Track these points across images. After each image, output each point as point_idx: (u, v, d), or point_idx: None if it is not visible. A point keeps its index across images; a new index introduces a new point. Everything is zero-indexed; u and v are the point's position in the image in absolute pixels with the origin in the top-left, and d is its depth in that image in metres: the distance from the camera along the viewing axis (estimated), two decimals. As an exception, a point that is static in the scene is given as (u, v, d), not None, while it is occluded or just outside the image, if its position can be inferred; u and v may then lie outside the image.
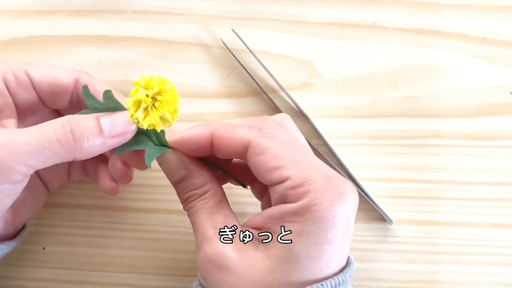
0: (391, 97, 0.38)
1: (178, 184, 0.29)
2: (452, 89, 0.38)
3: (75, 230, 0.37)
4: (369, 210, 0.37)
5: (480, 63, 0.38)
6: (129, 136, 0.28)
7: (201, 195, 0.29)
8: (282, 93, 0.37)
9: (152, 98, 0.26)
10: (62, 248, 0.37)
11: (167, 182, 0.36)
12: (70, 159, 0.27)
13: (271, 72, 0.37)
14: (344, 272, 0.27)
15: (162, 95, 0.26)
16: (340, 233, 0.26)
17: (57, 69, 0.31)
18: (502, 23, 0.38)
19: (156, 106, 0.26)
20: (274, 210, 0.26)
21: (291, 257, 0.25)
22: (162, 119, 0.27)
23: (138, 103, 0.26)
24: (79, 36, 0.38)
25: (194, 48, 0.38)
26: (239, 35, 0.37)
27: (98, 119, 0.27)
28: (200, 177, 0.29)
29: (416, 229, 0.36)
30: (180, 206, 0.36)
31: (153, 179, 0.37)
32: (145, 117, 0.26)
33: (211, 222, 0.28)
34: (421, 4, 0.38)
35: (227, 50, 0.38)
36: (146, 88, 0.26)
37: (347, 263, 0.28)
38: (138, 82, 0.26)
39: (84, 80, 0.31)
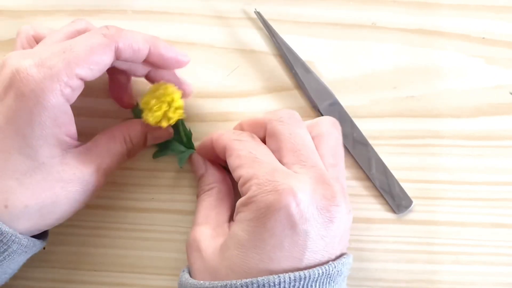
0: (391, 97, 0.38)
1: (198, 180, 0.35)
2: (452, 89, 0.38)
3: (75, 230, 0.37)
4: (369, 210, 0.37)
5: (480, 63, 0.38)
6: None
7: (207, 190, 0.34)
8: (286, 93, 0.38)
9: (158, 101, 0.32)
10: (62, 248, 0.37)
11: (167, 182, 0.37)
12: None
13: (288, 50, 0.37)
14: (302, 272, 0.27)
15: (165, 98, 0.32)
16: (281, 226, 0.27)
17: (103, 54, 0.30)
18: (502, 23, 0.38)
19: (161, 107, 0.32)
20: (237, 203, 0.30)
21: (237, 244, 0.28)
22: (166, 116, 0.32)
23: (147, 104, 0.32)
24: (79, 36, 0.38)
25: (194, 48, 0.38)
26: (263, 16, 0.37)
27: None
28: (211, 177, 0.34)
29: (416, 229, 0.36)
30: (180, 206, 0.36)
31: (153, 179, 0.37)
32: (152, 115, 0.32)
33: (204, 212, 0.33)
34: (421, 4, 0.38)
35: (227, 49, 0.38)
36: (154, 92, 0.32)
37: (324, 264, 0.28)
38: (151, 87, 0.33)
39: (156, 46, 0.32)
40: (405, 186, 0.37)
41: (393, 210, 0.36)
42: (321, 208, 0.28)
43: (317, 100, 0.37)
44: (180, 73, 0.36)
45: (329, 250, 0.28)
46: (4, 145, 0.28)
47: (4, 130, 0.28)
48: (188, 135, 0.36)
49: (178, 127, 0.35)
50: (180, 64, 0.33)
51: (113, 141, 0.33)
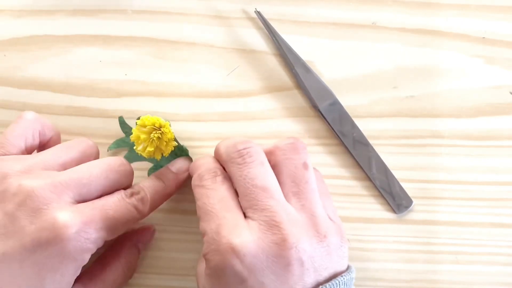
0: (391, 97, 0.38)
1: None
2: (452, 89, 0.38)
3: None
4: (369, 210, 0.37)
5: (480, 63, 0.38)
6: None
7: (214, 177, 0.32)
8: (286, 93, 0.38)
9: (147, 136, 0.32)
10: (62, 248, 0.37)
11: (167, 182, 0.36)
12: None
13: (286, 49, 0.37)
14: None
15: (154, 134, 0.31)
16: (234, 283, 0.27)
17: None
18: (502, 23, 0.38)
19: (152, 142, 0.32)
20: None
21: None
22: (159, 149, 0.32)
23: (137, 139, 0.32)
24: (79, 36, 0.38)
25: (194, 48, 0.38)
26: (263, 16, 0.37)
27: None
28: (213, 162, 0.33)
29: (416, 229, 0.36)
30: (180, 206, 0.36)
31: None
32: (144, 149, 0.32)
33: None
34: (421, 4, 0.38)
35: (227, 49, 0.38)
36: (142, 126, 0.32)
37: None
38: (138, 121, 0.32)
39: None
40: (405, 186, 0.37)
41: (393, 210, 0.36)
42: (273, 255, 0.27)
43: (317, 100, 0.37)
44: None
45: (302, 282, 0.27)
46: (18, 276, 0.27)
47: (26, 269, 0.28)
48: (185, 153, 0.36)
49: (174, 152, 0.35)
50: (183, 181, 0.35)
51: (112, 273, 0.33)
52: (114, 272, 0.33)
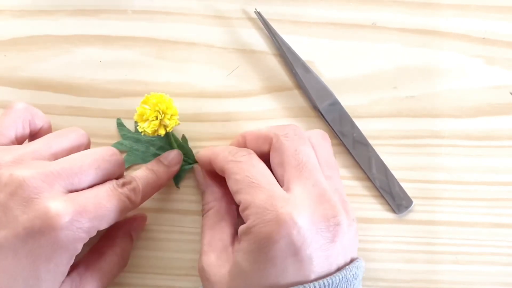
0: (391, 97, 0.38)
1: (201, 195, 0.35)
2: (452, 89, 0.38)
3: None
4: (369, 210, 0.37)
5: (480, 63, 0.38)
6: None
7: (206, 211, 0.34)
8: (286, 93, 0.38)
9: (152, 110, 0.32)
10: (62, 247, 0.37)
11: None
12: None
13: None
14: (322, 281, 0.27)
15: (159, 107, 0.32)
16: (284, 254, 0.27)
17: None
18: (502, 23, 0.38)
19: (156, 116, 0.32)
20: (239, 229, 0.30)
21: (241, 273, 0.28)
22: (163, 125, 0.32)
23: (142, 116, 0.32)
24: (80, 36, 0.38)
25: (194, 48, 0.38)
26: (263, 16, 0.37)
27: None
28: (209, 195, 0.34)
29: (416, 229, 0.36)
30: (180, 206, 0.36)
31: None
32: (149, 125, 0.32)
33: (207, 238, 0.32)
34: (421, 4, 0.38)
35: (227, 49, 0.38)
36: (146, 103, 0.32)
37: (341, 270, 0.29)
38: (142, 101, 0.32)
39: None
40: (405, 186, 0.37)
41: (393, 210, 0.36)
42: (322, 229, 0.28)
43: (317, 100, 0.37)
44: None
45: (337, 261, 0.29)
46: (13, 267, 0.27)
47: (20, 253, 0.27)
48: (186, 150, 0.36)
49: (170, 140, 0.35)
50: (176, 172, 0.35)
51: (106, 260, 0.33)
52: (109, 261, 0.33)
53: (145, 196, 0.32)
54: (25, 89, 0.38)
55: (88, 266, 0.32)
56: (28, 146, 0.30)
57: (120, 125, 0.37)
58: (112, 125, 0.37)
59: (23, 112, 0.33)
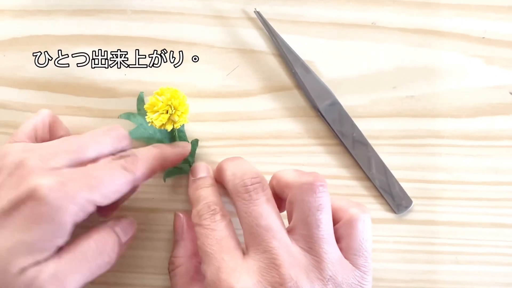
0: (391, 97, 0.38)
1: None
2: (452, 89, 0.38)
3: (75, 230, 0.37)
4: (369, 209, 0.36)
5: (480, 63, 0.38)
6: None
7: (176, 267, 0.34)
8: (286, 92, 0.38)
9: (164, 103, 0.32)
10: (62, 247, 0.37)
11: (167, 182, 0.37)
12: None
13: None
14: None
15: (172, 102, 0.32)
16: None
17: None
18: (502, 23, 0.38)
19: (167, 110, 0.32)
20: None
21: None
22: (171, 120, 0.32)
23: (153, 107, 0.32)
24: (79, 36, 0.38)
25: (194, 48, 0.38)
26: (263, 16, 0.37)
27: None
28: (182, 249, 0.34)
29: (416, 229, 0.36)
30: (181, 206, 0.36)
31: (153, 179, 0.37)
32: (157, 117, 0.32)
33: None
34: (421, 4, 0.38)
35: (227, 49, 0.38)
36: (160, 95, 0.32)
37: None
38: (156, 92, 0.32)
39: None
40: (405, 186, 0.37)
41: (393, 210, 0.36)
42: None
43: (317, 100, 0.37)
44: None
45: None
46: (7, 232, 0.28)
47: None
48: (192, 152, 0.36)
49: (174, 137, 0.35)
50: (185, 156, 0.35)
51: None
52: (83, 245, 0.31)
53: (150, 168, 0.32)
54: (25, 89, 0.38)
55: (62, 248, 0.31)
56: (43, 144, 0.32)
57: (140, 99, 0.37)
58: (111, 124, 0.37)
59: (46, 117, 0.34)
